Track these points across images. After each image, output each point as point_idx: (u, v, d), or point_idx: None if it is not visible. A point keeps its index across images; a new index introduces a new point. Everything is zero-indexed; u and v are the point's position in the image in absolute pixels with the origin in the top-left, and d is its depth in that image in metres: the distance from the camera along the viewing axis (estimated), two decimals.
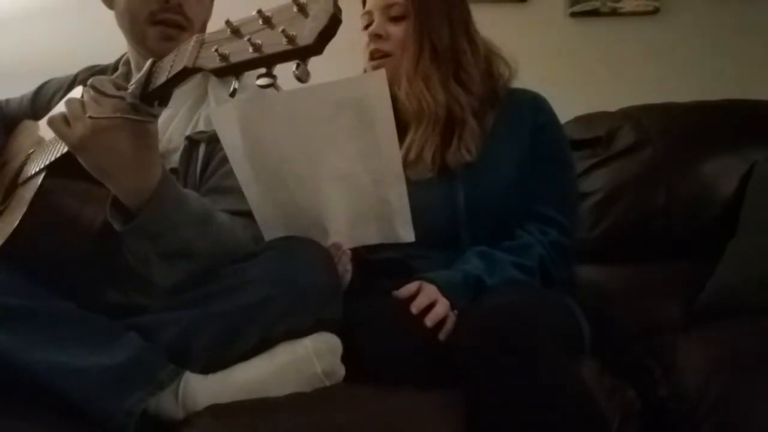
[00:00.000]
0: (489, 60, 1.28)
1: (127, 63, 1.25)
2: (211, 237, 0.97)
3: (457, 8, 1.28)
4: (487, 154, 1.22)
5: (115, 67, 1.28)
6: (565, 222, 1.22)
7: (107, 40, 1.26)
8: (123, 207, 0.92)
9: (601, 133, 1.62)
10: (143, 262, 0.95)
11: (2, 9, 1.77)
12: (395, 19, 1.25)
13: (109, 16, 1.20)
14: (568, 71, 1.87)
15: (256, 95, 1.02)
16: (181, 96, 1.18)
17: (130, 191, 0.90)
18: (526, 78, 1.30)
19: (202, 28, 1.20)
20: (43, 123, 1.21)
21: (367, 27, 1.29)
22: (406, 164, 1.21)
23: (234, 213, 1.06)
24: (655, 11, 1.93)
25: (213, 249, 0.97)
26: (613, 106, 1.71)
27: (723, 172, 1.56)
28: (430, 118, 1.22)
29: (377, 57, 1.25)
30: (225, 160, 1.06)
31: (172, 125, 1.16)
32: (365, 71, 1.29)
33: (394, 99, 1.21)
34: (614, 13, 1.92)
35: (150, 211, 0.90)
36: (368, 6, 1.29)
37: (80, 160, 0.89)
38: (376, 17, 1.26)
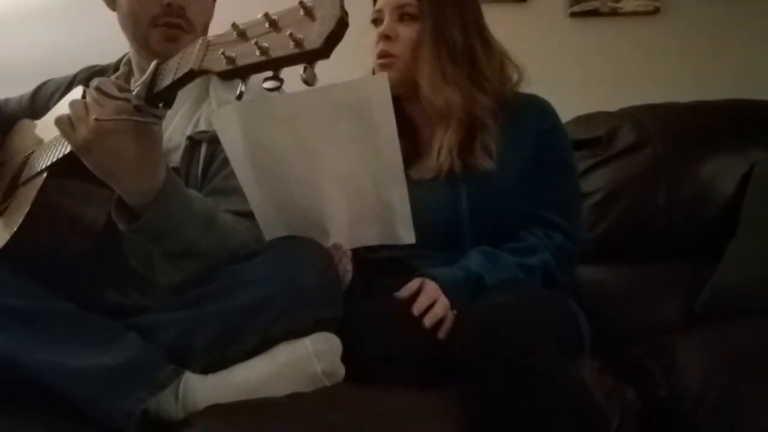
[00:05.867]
0: (502, 63, 1.27)
1: (128, 63, 1.25)
2: (214, 237, 0.97)
3: (469, 8, 1.26)
4: None
5: (116, 68, 1.27)
6: (569, 227, 1.22)
7: (107, 40, 1.26)
8: (127, 207, 0.93)
9: (601, 133, 1.62)
10: (146, 263, 0.95)
11: (2, 9, 1.77)
12: (407, 20, 1.23)
13: (109, 17, 1.20)
14: (568, 71, 1.87)
15: (257, 97, 1.02)
16: (182, 95, 1.16)
17: (134, 192, 0.90)
18: (526, 78, 1.30)
19: (204, 31, 1.20)
20: (40, 122, 1.21)
21: (376, 23, 1.26)
22: (427, 164, 1.23)
23: (236, 214, 1.06)
24: (655, 11, 1.92)
25: (216, 249, 0.97)
26: (613, 106, 1.70)
27: (723, 172, 1.56)
28: (456, 117, 1.20)
29: (383, 57, 1.23)
30: (227, 160, 1.06)
31: (173, 124, 1.16)
32: (374, 70, 1.28)
33: (416, 101, 1.22)
34: (614, 13, 1.92)
35: (154, 212, 0.90)
36: (379, 4, 1.26)
37: (85, 162, 0.89)
38: (386, 17, 1.24)
